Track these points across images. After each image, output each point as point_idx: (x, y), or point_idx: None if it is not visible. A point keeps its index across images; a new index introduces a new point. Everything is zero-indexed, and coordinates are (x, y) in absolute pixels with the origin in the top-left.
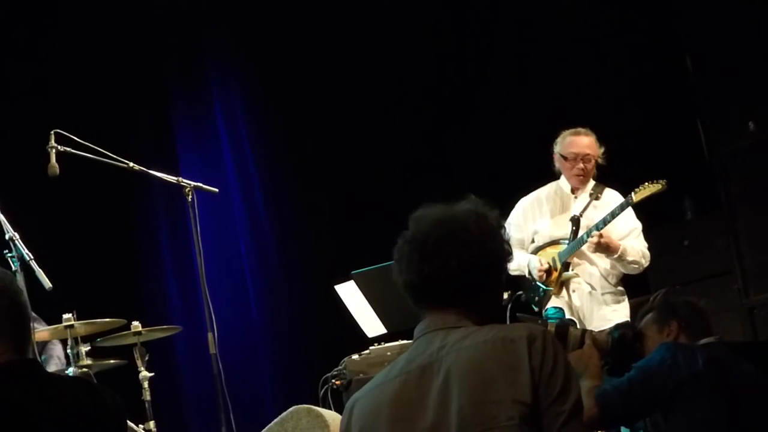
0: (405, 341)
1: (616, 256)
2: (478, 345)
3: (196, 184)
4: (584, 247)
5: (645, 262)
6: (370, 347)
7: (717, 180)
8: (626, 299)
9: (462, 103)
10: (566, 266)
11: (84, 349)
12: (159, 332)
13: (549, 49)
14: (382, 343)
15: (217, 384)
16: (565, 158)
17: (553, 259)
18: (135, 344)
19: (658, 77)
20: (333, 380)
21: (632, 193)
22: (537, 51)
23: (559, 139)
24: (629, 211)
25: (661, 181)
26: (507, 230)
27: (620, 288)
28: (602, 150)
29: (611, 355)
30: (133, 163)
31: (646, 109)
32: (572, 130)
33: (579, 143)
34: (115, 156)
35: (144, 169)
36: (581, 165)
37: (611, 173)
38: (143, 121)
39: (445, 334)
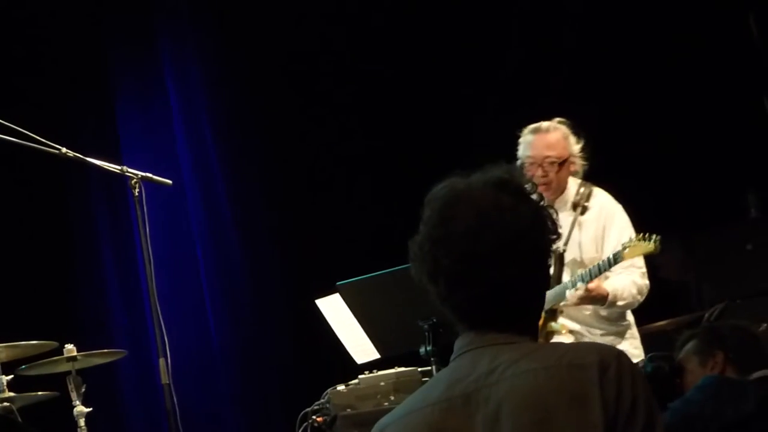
0: (402, 368)
1: (605, 306)
2: (538, 372)
3: (144, 174)
4: (566, 302)
5: (641, 298)
6: (359, 376)
7: None
8: (634, 334)
9: (464, 95)
10: (553, 312)
11: (5, 378)
12: (98, 357)
13: (587, 11)
14: (374, 370)
15: (170, 421)
16: (523, 164)
17: None
18: (69, 372)
19: (714, 42)
20: (314, 416)
21: (622, 247)
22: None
23: (520, 139)
24: (625, 221)
25: (654, 239)
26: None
27: (624, 323)
28: (579, 146)
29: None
30: (66, 148)
31: (699, 83)
32: (533, 127)
33: (536, 144)
34: (42, 139)
35: (79, 156)
36: (540, 172)
37: (658, 160)
38: (78, 97)
39: (495, 353)
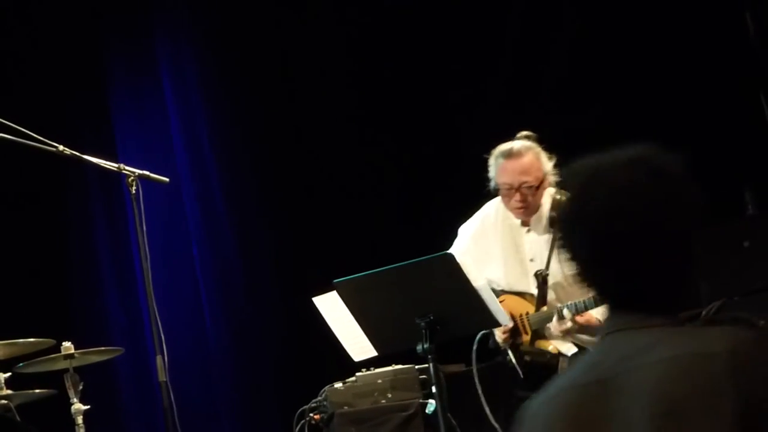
0: (399, 366)
1: (596, 336)
2: (665, 362)
3: (141, 172)
4: (552, 331)
5: None
6: (357, 374)
7: None
8: None
9: (463, 93)
10: (538, 333)
11: (3, 376)
12: (96, 355)
13: (582, 10)
14: (372, 368)
15: (167, 419)
16: (498, 190)
17: (521, 318)
18: (66, 370)
19: (710, 38)
20: (311, 414)
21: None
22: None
23: (491, 160)
24: None
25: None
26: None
27: None
28: (552, 162)
29: None
30: (63, 146)
31: (696, 81)
32: (503, 149)
33: (510, 169)
34: (39, 137)
35: (76, 154)
36: (517, 197)
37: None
38: (75, 95)
39: (629, 339)
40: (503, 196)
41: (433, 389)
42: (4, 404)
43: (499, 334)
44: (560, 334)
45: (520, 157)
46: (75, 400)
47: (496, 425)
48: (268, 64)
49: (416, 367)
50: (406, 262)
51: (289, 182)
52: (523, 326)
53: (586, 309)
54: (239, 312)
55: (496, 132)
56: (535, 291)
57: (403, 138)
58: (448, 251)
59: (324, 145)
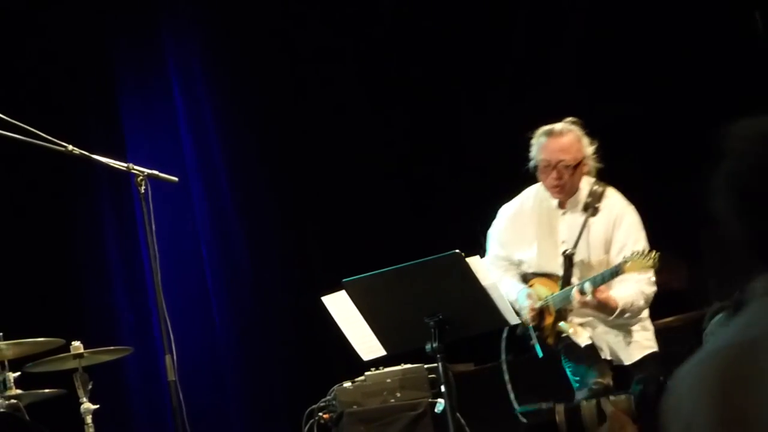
0: (408, 365)
1: (613, 316)
2: None
3: (150, 171)
4: (573, 305)
5: (647, 305)
6: (366, 373)
7: None
8: (647, 325)
9: (473, 84)
10: (563, 312)
11: (12, 375)
12: (105, 355)
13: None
14: (381, 367)
15: (176, 418)
16: (536, 167)
17: (546, 300)
18: (75, 369)
19: (720, 39)
20: (320, 413)
21: (623, 260)
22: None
23: (533, 140)
24: (634, 224)
25: (653, 256)
26: (489, 245)
27: (637, 316)
28: (592, 147)
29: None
30: (72, 146)
31: (704, 81)
32: (546, 129)
33: (550, 147)
34: (48, 137)
35: (85, 154)
36: (554, 174)
37: (663, 157)
38: (83, 95)
39: None
40: (541, 174)
41: (442, 388)
42: (13, 404)
43: (525, 314)
44: (580, 307)
45: (561, 136)
46: (84, 399)
47: (523, 419)
48: (277, 63)
49: (425, 366)
50: (414, 262)
51: (298, 181)
52: (548, 308)
53: (603, 281)
54: (248, 311)
55: (502, 130)
56: (562, 272)
57: (412, 136)
58: (456, 250)
59: (333, 144)
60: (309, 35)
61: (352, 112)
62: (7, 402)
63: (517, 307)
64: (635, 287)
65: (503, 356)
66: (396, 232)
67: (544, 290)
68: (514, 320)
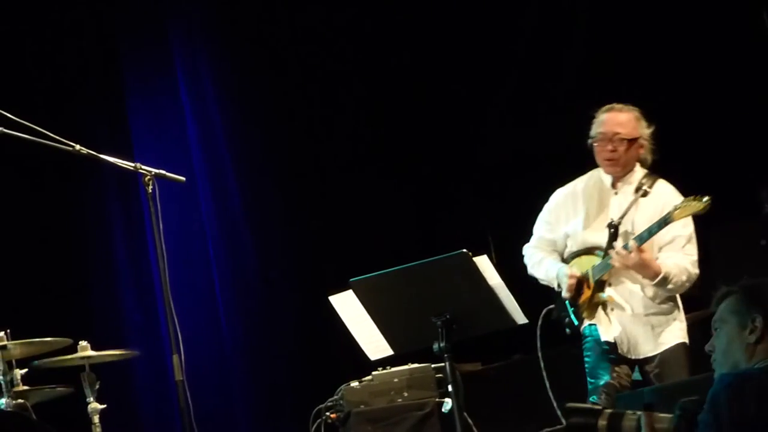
0: (415, 365)
1: (656, 280)
2: None
3: (158, 171)
4: (613, 261)
5: (688, 285)
6: (373, 372)
7: None
8: (680, 317)
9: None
10: (601, 285)
11: (20, 373)
12: (112, 355)
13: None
14: (388, 367)
15: (183, 418)
16: (594, 140)
17: (586, 273)
18: (83, 369)
19: (729, 37)
20: (327, 413)
21: (673, 208)
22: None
23: (595, 119)
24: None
25: (704, 199)
26: (536, 227)
27: (669, 304)
28: (649, 130)
29: None
30: (80, 146)
31: (714, 78)
32: (607, 106)
33: (608, 120)
34: (56, 137)
35: (93, 153)
36: (609, 147)
37: (672, 159)
38: (90, 94)
39: None
40: (596, 146)
41: (450, 388)
42: (20, 403)
43: (565, 284)
44: (621, 265)
45: (621, 112)
46: (91, 398)
47: (559, 412)
48: (284, 62)
49: (432, 366)
50: (421, 261)
51: (305, 181)
52: (587, 281)
53: (651, 235)
54: (255, 311)
55: (508, 131)
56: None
57: (422, 134)
58: (463, 249)
59: (341, 144)
60: (316, 34)
61: (360, 110)
62: (14, 402)
63: (558, 281)
64: (681, 262)
65: (538, 340)
66: (403, 232)
67: (585, 265)
68: (521, 320)
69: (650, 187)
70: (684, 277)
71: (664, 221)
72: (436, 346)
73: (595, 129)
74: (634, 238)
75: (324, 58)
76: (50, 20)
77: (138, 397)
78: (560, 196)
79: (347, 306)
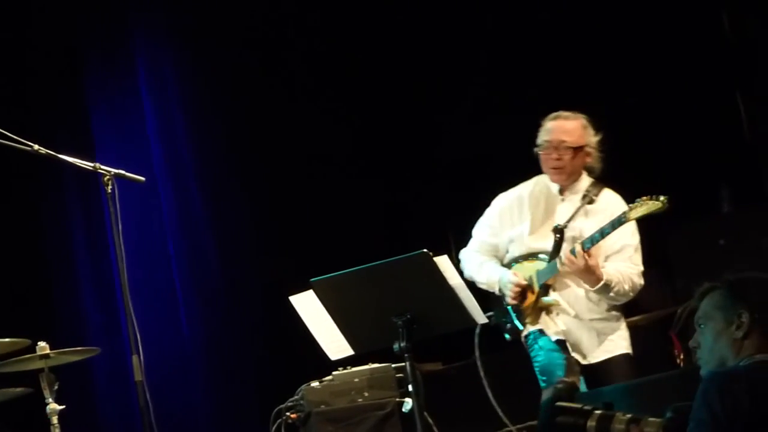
0: (376, 365)
1: (597, 287)
2: None
3: (117, 171)
4: (560, 266)
5: (632, 295)
6: (333, 372)
7: (760, 165)
8: (623, 325)
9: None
10: (546, 289)
11: None
12: (72, 355)
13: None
14: (348, 367)
15: (144, 418)
16: (540, 149)
17: (530, 278)
18: (42, 370)
19: (688, 39)
20: (287, 413)
21: (628, 208)
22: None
23: (542, 127)
24: (631, 224)
25: (661, 198)
26: (477, 231)
27: (615, 313)
28: (596, 138)
29: None
30: (39, 145)
31: (673, 79)
32: (554, 114)
33: (554, 129)
34: (14, 136)
35: (52, 153)
36: (555, 155)
37: (630, 159)
38: (49, 92)
39: None
40: (542, 155)
41: (410, 388)
42: None
43: (508, 291)
44: (566, 268)
45: (567, 120)
46: (50, 399)
47: (502, 414)
48: (246, 60)
49: (393, 365)
50: (382, 261)
51: (267, 181)
52: (530, 286)
53: (603, 236)
54: (216, 311)
55: (475, 131)
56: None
57: (384, 136)
58: (424, 249)
59: (303, 142)
60: (280, 36)
61: (324, 111)
62: None
63: (500, 286)
64: (626, 271)
65: (477, 354)
66: (365, 232)
67: (529, 270)
68: (481, 319)
69: (596, 195)
70: (627, 286)
71: (618, 221)
72: (396, 345)
73: (542, 137)
74: (584, 240)
75: (287, 56)
76: (9, 18)
77: (98, 397)
78: (505, 201)
79: (308, 306)
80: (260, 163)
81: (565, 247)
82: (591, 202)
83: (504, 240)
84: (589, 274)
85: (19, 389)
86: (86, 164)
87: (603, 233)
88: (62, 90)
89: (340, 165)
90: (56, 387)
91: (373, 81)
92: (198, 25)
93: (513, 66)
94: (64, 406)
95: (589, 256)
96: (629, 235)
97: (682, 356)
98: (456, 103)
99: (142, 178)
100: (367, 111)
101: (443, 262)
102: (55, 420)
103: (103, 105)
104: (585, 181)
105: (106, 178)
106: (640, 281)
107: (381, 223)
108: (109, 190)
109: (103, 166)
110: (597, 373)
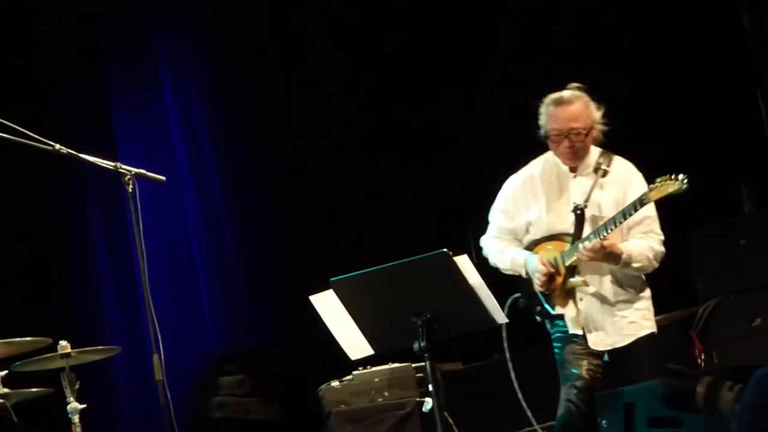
0: (396, 365)
1: (619, 264)
2: None
3: (138, 170)
4: (581, 254)
5: (656, 264)
6: (353, 372)
7: None
8: (647, 304)
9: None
10: (572, 270)
11: (0, 376)
12: (92, 354)
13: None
14: (368, 366)
15: (164, 418)
16: (548, 136)
17: (555, 260)
18: (63, 369)
19: (708, 37)
20: None
21: (648, 188)
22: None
23: (542, 108)
24: (646, 186)
25: (680, 178)
26: (493, 218)
27: (640, 294)
28: (599, 113)
29: None
30: (60, 145)
31: (693, 77)
32: (554, 97)
33: (560, 116)
34: (36, 136)
35: (73, 153)
36: (567, 143)
37: (649, 154)
38: (71, 92)
39: None
40: (552, 143)
41: (430, 387)
42: (1, 404)
43: (536, 278)
44: (587, 256)
45: (570, 104)
46: (71, 399)
47: (530, 414)
48: (267, 61)
49: (413, 365)
50: (402, 261)
51: (288, 180)
52: (557, 268)
53: (625, 217)
54: (238, 310)
55: (492, 125)
56: (572, 230)
57: (402, 136)
58: (444, 249)
59: (323, 143)
60: (299, 36)
61: (343, 111)
62: None
63: (527, 271)
64: (644, 243)
65: (507, 354)
66: (385, 232)
67: (553, 252)
68: (502, 319)
69: (608, 165)
70: (650, 254)
71: (640, 202)
72: (416, 345)
73: (548, 125)
74: (608, 222)
75: (307, 51)
76: (31, 18)
77: (119, 396)
78: (516, 183)
79: (328, 306)
80: (282, 163)
81: (587, 228)
82: (605, 174)
83: (521, 223)
84: (612, 258)
85: (40, 389)
86: (107, 163)
87: (625, 215)
88: (84, 90)
89: (362, 165)
90: (77, 386)
91: (394, 79)
92: (220, 24)
93: (533, 54)
94: (85, 405)
95: (605, 240)
96: (648, 207)
97: (702, 356)
98: (476, 96)
99: (163, 178)
100: (390, 108)
101: (463, 261)
102: (76, 419)
103: (125, 105)
104: (594, 153)
105: (126, 178)
106: (661, 249)
107: (401, 222)
108: (130, 190)
109: (123, 166)
110: (623, 357)
